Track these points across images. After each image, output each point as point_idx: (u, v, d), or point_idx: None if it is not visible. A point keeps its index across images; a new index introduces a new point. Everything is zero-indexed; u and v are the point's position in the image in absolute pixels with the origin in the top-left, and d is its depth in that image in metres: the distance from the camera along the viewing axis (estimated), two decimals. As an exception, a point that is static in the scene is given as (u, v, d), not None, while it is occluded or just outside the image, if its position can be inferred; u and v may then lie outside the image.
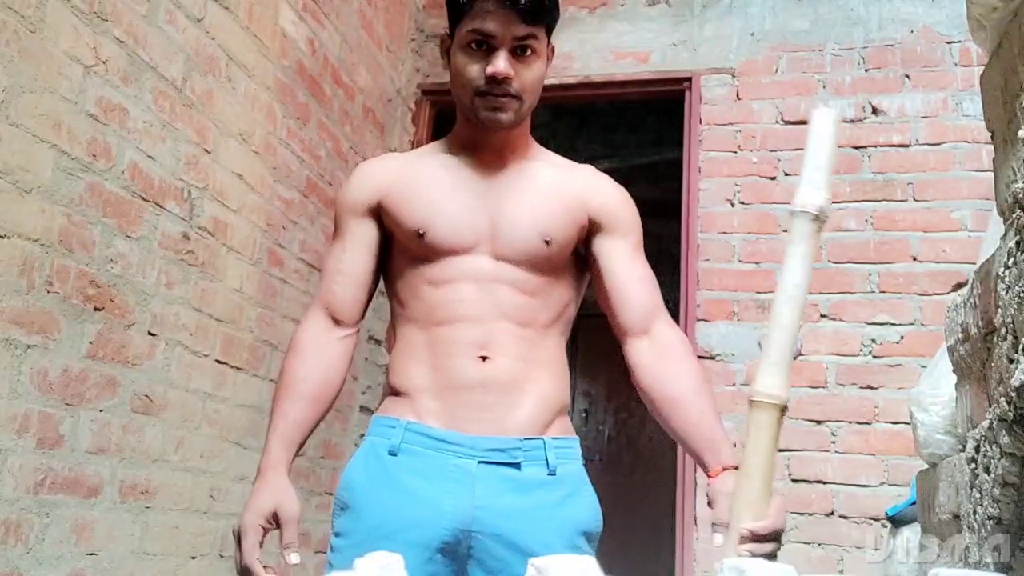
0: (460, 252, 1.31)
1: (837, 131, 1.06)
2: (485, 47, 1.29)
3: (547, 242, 1.32)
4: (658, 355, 1.32)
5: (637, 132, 4.69)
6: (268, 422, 1.31)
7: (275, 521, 1.22)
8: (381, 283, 1.43)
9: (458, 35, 1.32)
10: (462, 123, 1.41)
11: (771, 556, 1.03)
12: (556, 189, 1.38)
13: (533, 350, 1.31)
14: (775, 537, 1.04)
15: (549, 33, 1.37)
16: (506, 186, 1.36)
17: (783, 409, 1.01)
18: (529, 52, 1.31)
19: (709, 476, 1.21)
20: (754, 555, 1.00)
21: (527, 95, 1.32)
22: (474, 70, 1.30)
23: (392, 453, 1.27)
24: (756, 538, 1.01)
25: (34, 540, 1.74)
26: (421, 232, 1.31)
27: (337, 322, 1.36)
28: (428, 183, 1.35)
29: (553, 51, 1.40)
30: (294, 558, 1.20)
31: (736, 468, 1.11)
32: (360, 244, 1.37)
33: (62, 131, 1.81)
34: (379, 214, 1.37)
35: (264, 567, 1.19)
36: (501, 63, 1.28)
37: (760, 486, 1.00)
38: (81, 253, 1.87)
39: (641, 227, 1.42)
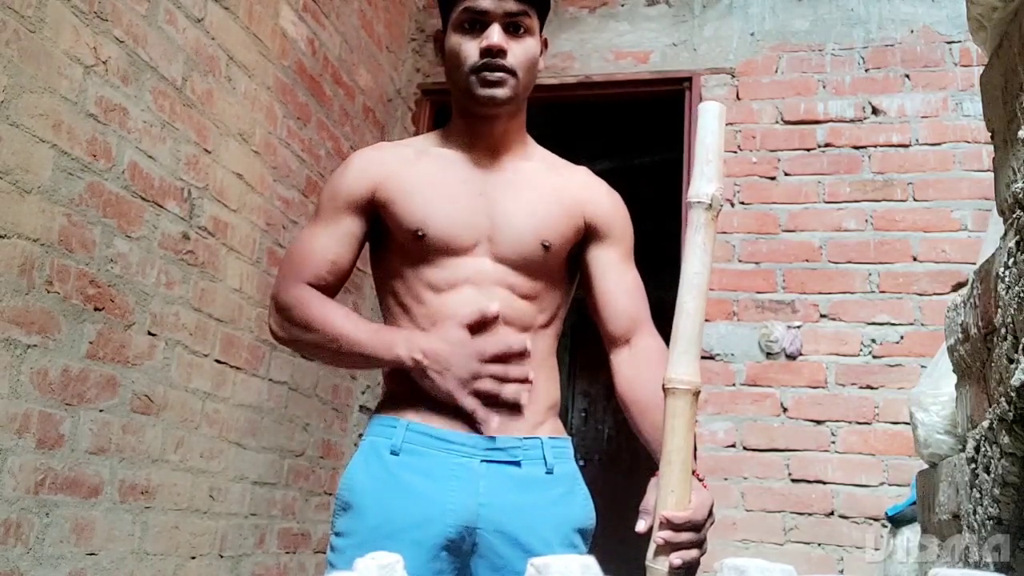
0: (460, 253, 1.30)
1: (723, 124, 1.09)
2: (479, 26, 1.31)
3: (546, 247, 1.32)
4: (635, 363, 1.34)
5: (637, 132, 4.68)
6: (334, 337, 1.30)
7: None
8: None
9: (451, 19, 1.33)
10: (458, 117, 1.40)
11: (692, 546, 1.02)
12: (555, 192, 1.37)
13: (531, 355, 1.32)
14: (692, 527, 1.02)
15: (542, 18, 1.37)
16: (504, 186, 1.35)
17: (696, 394, 1.03)
18: (522, 30, 1.32)
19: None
20: (669, 543, 1.01)
21: (522, 71, 1.32)
22: (469, 48, 1.31)
23: (394, 452, 1.26)
24: (671, 526, 1.01)
25: (34, 540, 1.74)
26: (420, 233, 1.30)
27: None
28: (426, 180, 1.34)
29: (546, 44, 1.40)
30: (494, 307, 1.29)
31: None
32: (350, 238, 1.36)
33: (62, 131, 1.81)
34: (372, 209, 1.35)
35: None
36: (495, 36, 1.29)
37: (680, 471, 1.01)
38: (81, 253, 1.87)
39: (632, 233, 1.43)
